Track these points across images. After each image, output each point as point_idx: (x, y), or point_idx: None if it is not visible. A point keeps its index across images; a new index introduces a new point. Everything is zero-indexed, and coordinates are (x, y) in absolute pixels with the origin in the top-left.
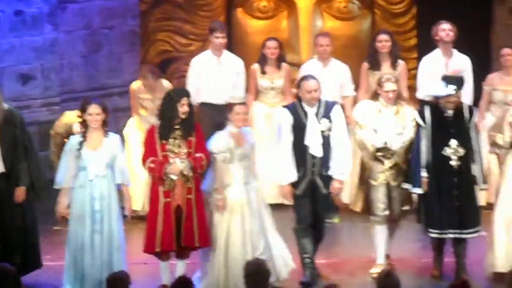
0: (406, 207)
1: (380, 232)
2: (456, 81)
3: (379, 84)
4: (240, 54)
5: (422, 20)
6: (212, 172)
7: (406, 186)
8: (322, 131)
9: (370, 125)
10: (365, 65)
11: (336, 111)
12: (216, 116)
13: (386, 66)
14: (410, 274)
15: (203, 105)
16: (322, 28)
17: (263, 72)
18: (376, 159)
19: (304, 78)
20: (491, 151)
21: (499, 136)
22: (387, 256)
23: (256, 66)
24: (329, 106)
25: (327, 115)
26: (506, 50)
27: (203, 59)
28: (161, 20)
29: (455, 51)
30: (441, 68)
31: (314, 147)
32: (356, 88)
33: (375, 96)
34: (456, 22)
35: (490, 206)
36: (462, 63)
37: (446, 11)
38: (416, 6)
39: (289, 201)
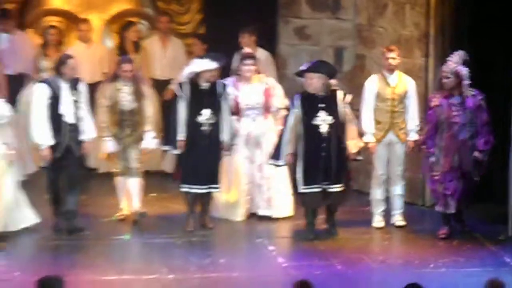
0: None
1: (121, 183)
2: (217, 58)
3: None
4: None
5: (208, 40)
6: None
7: (166, 148)
8: (76, 101)
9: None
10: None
11: (82, 86)
12: None
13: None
14: (160, 227)
15: None
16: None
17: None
18: (121, 126)
19: (68, 57)
20: None
21: None
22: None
23: None
24: (75, 81)
25: (75, 87)
26: None
27: None
28: None
29: (172, 38)
30: (160, 51)
31: (68, 115)
32: None
33: (114, 77)
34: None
35: None
36: (178, 47)
37: (232, 31)
38: (204, 27)
39: (47, 163)
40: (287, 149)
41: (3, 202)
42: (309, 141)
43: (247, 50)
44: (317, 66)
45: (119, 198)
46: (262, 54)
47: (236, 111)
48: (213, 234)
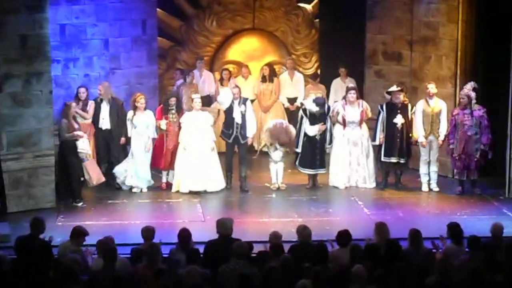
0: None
1: (273, 167)
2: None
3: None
4: None
5: (325, 79)
6: None
7: (295, 149)
8: (241, 111)
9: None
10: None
11: (248, 103)
12: None
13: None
14: (294, 188)
15: None
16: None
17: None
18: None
19: (234, 87)
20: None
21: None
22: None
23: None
24: (244, 100)
25: (244, 103)
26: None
27: None
28: (170, 79)
29: (296, 73)
30: (288, 80)
31: (237, 118)
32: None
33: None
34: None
35: None
36: (299, 79)
37: (336, 74)
38: (320, 69)
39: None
40: (380, 134)
41: (209, 172)
42: (389, 132)
43: (351, 85)
44: (402, 88)
45: (271, 174)
46: (350, 81)
47: (343, 123)
48: (325, 194)
